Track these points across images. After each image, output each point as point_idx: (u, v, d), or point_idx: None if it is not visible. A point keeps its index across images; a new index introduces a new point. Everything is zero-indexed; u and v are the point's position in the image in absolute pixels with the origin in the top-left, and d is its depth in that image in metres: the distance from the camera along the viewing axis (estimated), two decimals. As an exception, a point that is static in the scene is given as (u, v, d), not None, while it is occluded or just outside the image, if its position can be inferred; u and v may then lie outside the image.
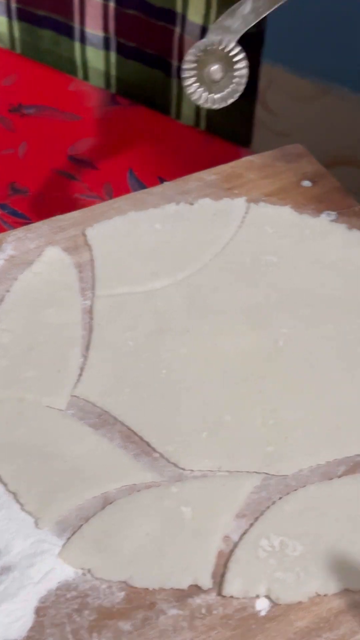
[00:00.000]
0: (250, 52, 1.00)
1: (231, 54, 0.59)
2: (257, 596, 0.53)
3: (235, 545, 0.55)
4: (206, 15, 0.96)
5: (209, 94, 0.61)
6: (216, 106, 0.62)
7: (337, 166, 1.16)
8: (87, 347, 0.65)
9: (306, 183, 0.78)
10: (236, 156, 0.82)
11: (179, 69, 1.03)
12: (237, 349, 0.65)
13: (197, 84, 0.61)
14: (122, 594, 0.53)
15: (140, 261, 0.71)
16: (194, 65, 0.59)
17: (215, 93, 0.60)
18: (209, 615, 0.52)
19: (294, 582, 0.53)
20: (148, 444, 0.60)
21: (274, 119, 1.25)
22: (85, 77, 1.08)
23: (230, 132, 1.05)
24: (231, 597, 0.53)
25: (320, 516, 0.56)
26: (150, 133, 0.96)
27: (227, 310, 0.67)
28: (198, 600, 0.53)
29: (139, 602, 0.52)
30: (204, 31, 0.97)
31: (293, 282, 0.70)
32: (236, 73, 0.60)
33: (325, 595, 0.53)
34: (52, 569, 0.53)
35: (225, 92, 0.60)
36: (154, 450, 0.59)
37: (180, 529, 0.55)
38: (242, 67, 0.60)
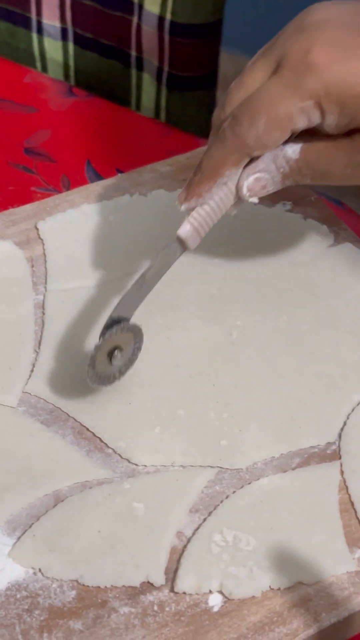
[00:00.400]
0: (209, 41, 1.00)
1: (121, 345, 0.58)
2: (210, 592, 0.52)
3: (189, 540, 0.54)
4: (163, 5, 0.95)
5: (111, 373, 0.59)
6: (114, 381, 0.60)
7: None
8: (39, 343, 0.64)
9: (261, 173, 0.77)
10: (197, 147, 0.81)
11: (138, 59, 1.02)
12: (190, 343, 0.64)
13: (100, 375, 0.59)
14: (73, 592, 0.52)
15: (92, 255, 0.70)
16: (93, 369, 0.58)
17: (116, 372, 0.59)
18: (161, 612, 0.52)
19: (246, 576, 0.52)
20: (101, 440, 0.59)
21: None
22: (44, 68, 1.07)
23: (191, 123, 1.04)
24: (184, 593, 0.52)
25: (273, 510, 0.55)
26: (109, 125, 0.95)
27: (180, 304, 0.66)
28: (150, 597, 0.52)
29: (90, 600, 0.52)
30: (160, 21, 0.96)
31: (247, 273, 0.69)
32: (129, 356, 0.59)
33: (278, 589, 0.52)
34: (1, 569, 0.53)
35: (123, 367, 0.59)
36: (107, 446, 0.59)
37: (132, 526, 0.54)
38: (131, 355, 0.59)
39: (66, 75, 1.07)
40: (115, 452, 0.58)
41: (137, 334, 0.58)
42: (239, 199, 0.57)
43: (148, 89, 1.04)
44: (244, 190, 0.55)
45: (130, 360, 0.59)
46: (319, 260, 0.70)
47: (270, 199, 0.74)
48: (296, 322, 0.66)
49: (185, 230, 0.56)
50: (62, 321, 0.65)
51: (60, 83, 1.00)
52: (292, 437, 0.60)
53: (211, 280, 0.68)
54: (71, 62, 1.06)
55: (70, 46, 1.05)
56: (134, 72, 1.03)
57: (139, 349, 0.59)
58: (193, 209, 0.56)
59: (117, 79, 1.04)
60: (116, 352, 0.58)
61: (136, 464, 0.58)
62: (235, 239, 0.71)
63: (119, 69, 1.04)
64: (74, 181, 0.85)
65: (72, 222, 0.72)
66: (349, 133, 0.53)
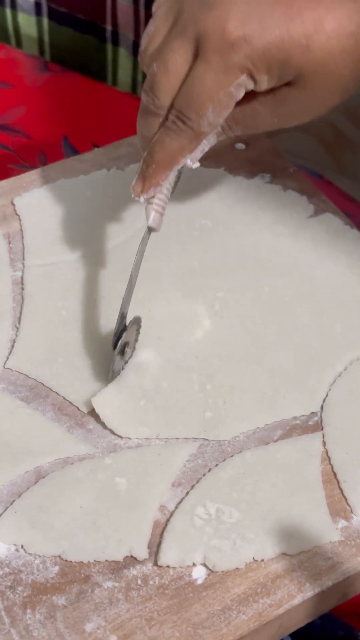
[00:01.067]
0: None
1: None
2: (194, 564, 0.52)
3: (172, 514, 0.54)
4: (138, -22, 0.94)
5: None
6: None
7: (285, 132, 1.16)
8: (19, 319, 0.64)
9: (239, 146, 0.76)
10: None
11: (113, 34, 1.01)
12: (172, 315, 0.64)
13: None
14: (56, 568, 0.52)
15: (70, 229, 0.69)
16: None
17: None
18: (145, 585, 0.51)
19: (230, 549, 0.52)
20: (84, 414, 0.59)
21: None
22: (18, 44, 1.06)
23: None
24: (167, 566, 0.52)
25: (256, 482, 0.55)
26: (85, 100, 0.94)
27: (161, 277, 0.66)
28: (134, 571, 0.52)
29: (74, 576, 0.52)
30: (136, -6, 0.95)
31: (228, 245, 0.69)
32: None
33: (262, 561, 0.52)
34: (-17, 546, 0.52)
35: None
36: (95, 420, 0.58)
37: (114, 501, 0.54)
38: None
39: (41, 51, 1.06)
40: (98, 424, 0.58)
41: (139, 325, 0.59)
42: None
43: (124, 64, 1.03)
44: (189, 163, 0.57)
45: (133, 348, 0.59)
46: (299, 231, 0.70)
47: (249, 171, 0.74)
48: (277, 292, 0.65)
49: (154, 219, 0.59)
50: (41, 297, 0.65)
51: (35, 59, 0.99)
52: (275, 407, 0.59)
53: (192, 253, 0.68)
54: (46, 38, 1.05)
55: (45, 21, 1.04)
56: (109, 46, 1.02)
57: (139, 334, 0.59)
58: (151, 198, 0.58)
59: (93, 54, 1.03)
60: (127, 349, 0.59)
61: (120, 436, 0.58)
62: (215, 212, 0.71)
63: (95, 43, 1.03)
64: (50, 158, 0.85)
65: (49, 198, 0.71)
66: (272, 89, 0.55)
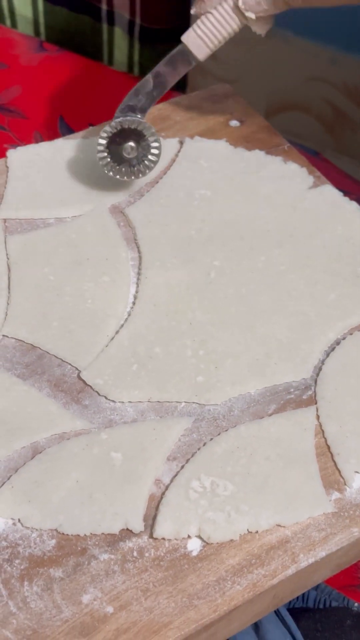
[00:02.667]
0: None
1: (142, 130, 0.63)
2: (189, 537, 0.53)
3: (167, 488, 0.55)
4: None
5: (124, 167, 0.65)
6: (132, 178, 0.66)
7: (286, 111, 1.15)
8: (7, 288, 0.64)
9: (234, 123, 0.76)
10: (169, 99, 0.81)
11: (109, 13, 1.01)
12: (167, 282, 0.64)
13: (111, 159, 0.65)
14: (53, 541, 0.52)
15: (53, 188, 0.70)
16: (106, 142, 0.64)
17: (130, 166, 0.64)
18: (140, 558, 0.52)
19: (224, 521, 0.53)
20: (80, 390, 0.59)
21: (219, 65, 1.23)
22: (13, 24, 1.06)
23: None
24: (162, 539, 0.53)
25: (250, 455, 0.56)
26: (81, 80, 0.94)
27: (159, 245, 0.67)
28: (130, 543, 0.53)
29: (70, 548, 0.52)
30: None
31: (226, 215, 0.69)
32: (149, 149, 0.64)
33: (256, 533, 0.53)
34: (-19, 520, 0.53)
35: (140, 166, 0.64)
36: (86, 396, 0.59)
37: (110, 475, 0.55)
38: (153, 144, 0.64)
39: (36, 32, 1.06)
40: (94, 402, 0.58)
41: (149, 132, 0.61)
42: (240, 14, 0.61)
43: (120, 43, 1.03)
44: (240, 2, 0.59)
45: (141, 160, 0.61)
46: (298, 202, 0.70)
47: (244, 149, 0.74)
48: (273, 262, 0.66)
49: (189, 35, 0.61)
50: (27, 264, 0.65)
51: (30, 39, 0.99)
52: (267, 373, 0.60)
53: (190, 223, 0.69)
54: (41, 19, 1.05)
55: (40, 2, 1.03)
56: (105, 26, 1.02)
57: (149, 147, 0.61)
58: (200, 15, 0.60)
59: (88, 34, 1.03)
60: (129, 146, 0.61)
61: (113, 401, 0.58)
62: (215, 182, 0.71)
63: (90, 23, 1.02)
64: (46, 137, 0.85)
65: (41, 154, 0.72)
66: None
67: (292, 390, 0.60)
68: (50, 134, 0.85)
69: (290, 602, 0.56)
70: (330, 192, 0.71)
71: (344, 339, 0.62)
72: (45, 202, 0.69)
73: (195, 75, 1.20)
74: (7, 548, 0.52)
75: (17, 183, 0.70)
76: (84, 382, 0.59)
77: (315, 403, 0.59)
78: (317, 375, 0.60)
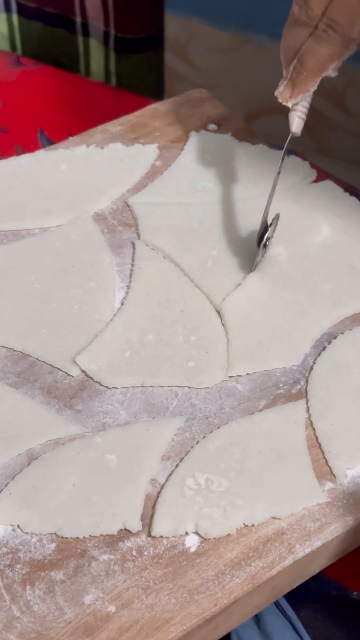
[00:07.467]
0: (153, 2, 1.00)
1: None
2: (186, 533, 0.54)
3: (162, 486, 0.55)
4: (104, -32, 0.95)
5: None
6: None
7: (265, 115, 1.17)
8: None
9: (212, 126, 0.78)
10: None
11: (83, 25, 1.02)
12: (161, 271, 0.66)
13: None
14: (53, 545, 0.53)
15: (37, 198, 0.71)
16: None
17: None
18: (140, 556, 0.53)
19: (220, 516, 0.54)
20: (72, 396, 0.60)
21: (197, 72, 1.24)
22: (-10, 41, 1.07)
23: (142, 85, 1.05)
24: (160, 537, 0.53)
25: (243, 450, 0.57)
26: (59, 92, 0.95)
27: (160, 235, 0.68)
28: (128, 543, 0.53)
29: (70, 551, 0.53)
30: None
31: (227, 208, 0.70)
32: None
33: (252, 526, 0.54)
34: (-20, 528, 0.54)
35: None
36: (79, 401, 0.60)
37: (106, 477, 0.56)
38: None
39: (12, 47, 1.07)
40: (87, 407, 0.59)
41: (277, 221, 0.65)
42: None
43: (96, 54, 1.04)
44: (331, 72, 0.61)
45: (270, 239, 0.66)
46: (299, 195, 0.72)
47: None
48: (271, 253, 0.67)
49: (298, 125, 0.63)
50: (13, 273, 0.66)
51: (7, 54, 0.99)
52: (258, 358, 0.61)
53: (191, 214, 0.70)
54: (17, 34, 1.06)
55: (15, 17, 1.04)
56: (80, 38, 1.03)
57: (275, 230, 0.65)
58: (295, 105, 0.63)
59: (64, 47, 1.04)
60: (267, 242, 0.65)
61: (107, 387, 0.60)
62: (218, 175, 0.73)
63: (66, 36, 1.04)
64: (27, 150, 0.85)
65: (23, 166, 0.73)
66: None
67: (281, 385, 0.61)
68: (31, 147, 0.86)
69: (290, 593, 0.57)
70: (331, 188, 0.73)
71: (335, 337, 0.63)
72: (30, 213, 0.70)
73: (173, 84, 1.22)
74: (8, 554, 0.53)
75: (1, 195, 0.70)
76: (77, 384, 0.60)
77: (305, 396, 0.60)
78: (309, 373, 0.61)
